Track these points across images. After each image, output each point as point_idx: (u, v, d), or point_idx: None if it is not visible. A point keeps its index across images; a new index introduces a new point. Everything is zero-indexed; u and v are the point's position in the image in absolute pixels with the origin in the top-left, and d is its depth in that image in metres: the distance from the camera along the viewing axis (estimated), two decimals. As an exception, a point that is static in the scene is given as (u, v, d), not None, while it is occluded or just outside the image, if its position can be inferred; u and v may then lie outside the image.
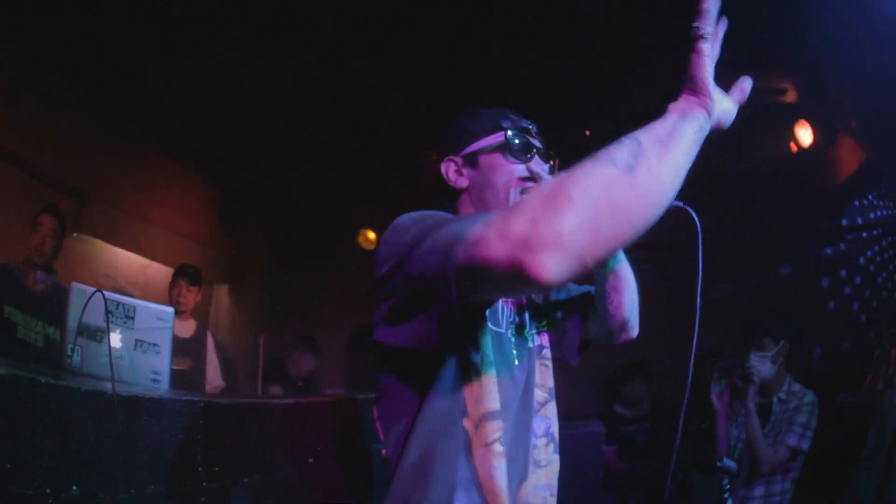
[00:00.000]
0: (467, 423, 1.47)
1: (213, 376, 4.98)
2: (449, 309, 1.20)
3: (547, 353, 1.76)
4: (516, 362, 1.62)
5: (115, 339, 2.67)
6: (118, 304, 2.72)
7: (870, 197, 6.35)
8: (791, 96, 5.73)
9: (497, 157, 1.64)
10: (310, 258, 7.78)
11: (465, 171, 1.67)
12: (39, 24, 4.24)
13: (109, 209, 5.43)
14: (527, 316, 1.73)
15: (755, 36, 4.29)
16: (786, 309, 6.08)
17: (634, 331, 1.84)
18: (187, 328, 4.84)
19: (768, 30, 4.31)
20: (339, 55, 5.06)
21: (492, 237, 1.07)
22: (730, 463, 3.13)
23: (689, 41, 1.23)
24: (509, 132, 1.64)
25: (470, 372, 1.49)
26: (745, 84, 1.35)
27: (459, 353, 1.49)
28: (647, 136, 1.12)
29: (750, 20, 3.99)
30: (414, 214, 1.41)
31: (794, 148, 5.95)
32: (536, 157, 1.67)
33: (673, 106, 1.21)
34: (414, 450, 1.47)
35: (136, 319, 2.74)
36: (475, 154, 1.66)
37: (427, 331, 1.30)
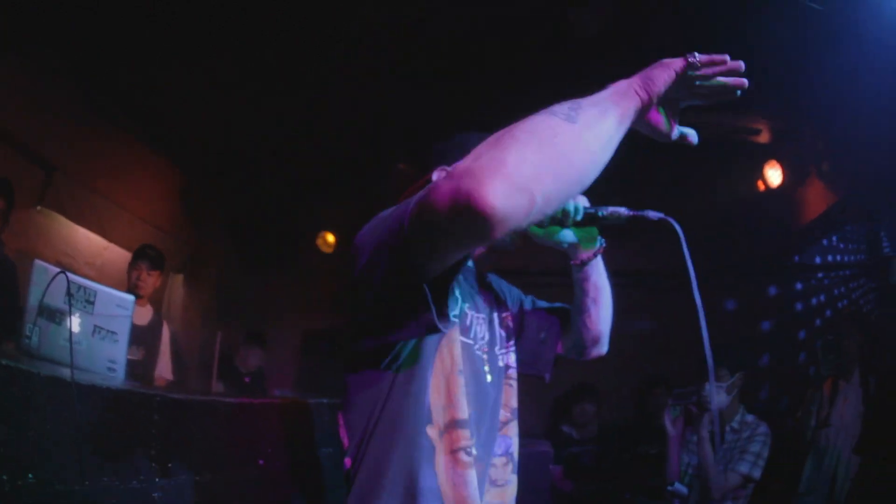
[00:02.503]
0: (431, 431, 1.47)
1: (163, 369, 4.80)
2: (412, 273, 1.19)
3: (512, 373, 1.78)
4: (488, 378, 1.66)
5: (75, 324, 2.58)
6: (80, 287, 2.63)
7: (834, 239, 6.53)
8: (764, 137, 5.78)
9: None
10: (269, 256, 7.70)
11: None
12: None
13: (76, 186, 5.26)
14: (497, 334, 1.77)
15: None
16: (739, 342, 6.23)
17: (605, 347, 1.90)
18: (143, 315, 4.66)
19: (745, 71, 4.40)
20: (315, 59, 5.04)
21: (440, 182, 1.08)
22: (680, 487, 3.13)
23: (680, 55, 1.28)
24: None
25: (438, 378, 1.50)
26: (691, 136, 1.39)
27: (424, 358, 1.49)
28: (586, 99, 1.16)
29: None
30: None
31: (761, 187, 6.02)
32: None
33: (620, 82, 1.24)
34: (372, 457, 1.47)
35: (97, 304, 2.66)
36: None
37: (402, 311, 1.27)
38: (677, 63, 1.25)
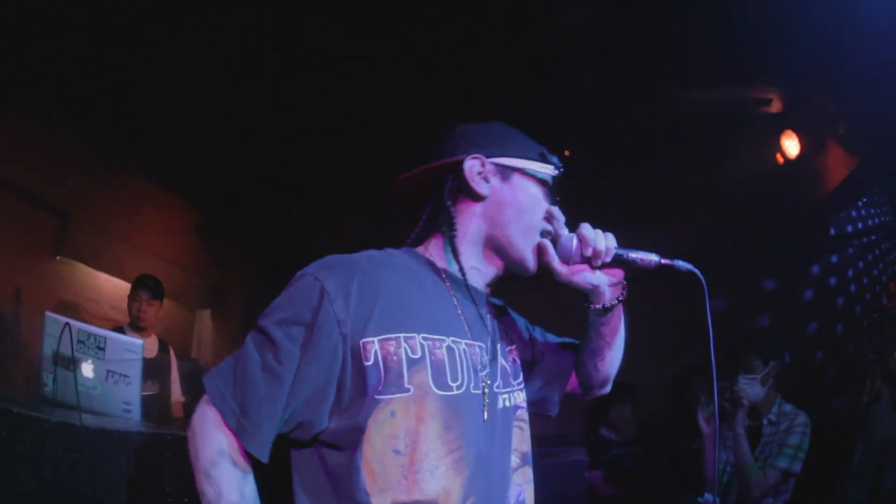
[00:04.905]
0: None
1: (177, 394, 4.75)
2: None
3: (522, 413, 1.56)
4: (485, 416, 1.40)
5: (87, 370, 2.70)
6: (89, 334, 2.73)
7: (859, 205, 6.27)
8: (776, 106, 5.53)
9: (534, 185, 1.53)
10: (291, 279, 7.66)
11: (491, 178, 1.50)
12: (23, 39, 4.20)
13: (93, 232, 5.34)
14: (499, 369, 1.51)
15: (738, 46, 4.22)
16: (773, 327, 6.03)
17: (609, 387, 1.80)
18: (150, 347, 4.50)
19: (751, 40, 4.22)
20: (322, 76, 5.03)
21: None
22: (709, 497, 3.05)
23: None
24: (556, 172, 1.56)
25: (370, 463, 1.27)
26: None
27: (348, 443, 1.29)
28: None
29: (731, 31, 3.97)
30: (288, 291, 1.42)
31: (780, 160, 5.77)
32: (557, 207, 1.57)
33: None
34: None
35: (107, 350, 2.75)
36: (511, 168, 1.51)
37: None
38: None
